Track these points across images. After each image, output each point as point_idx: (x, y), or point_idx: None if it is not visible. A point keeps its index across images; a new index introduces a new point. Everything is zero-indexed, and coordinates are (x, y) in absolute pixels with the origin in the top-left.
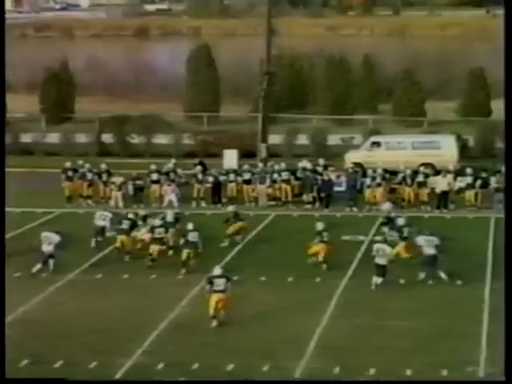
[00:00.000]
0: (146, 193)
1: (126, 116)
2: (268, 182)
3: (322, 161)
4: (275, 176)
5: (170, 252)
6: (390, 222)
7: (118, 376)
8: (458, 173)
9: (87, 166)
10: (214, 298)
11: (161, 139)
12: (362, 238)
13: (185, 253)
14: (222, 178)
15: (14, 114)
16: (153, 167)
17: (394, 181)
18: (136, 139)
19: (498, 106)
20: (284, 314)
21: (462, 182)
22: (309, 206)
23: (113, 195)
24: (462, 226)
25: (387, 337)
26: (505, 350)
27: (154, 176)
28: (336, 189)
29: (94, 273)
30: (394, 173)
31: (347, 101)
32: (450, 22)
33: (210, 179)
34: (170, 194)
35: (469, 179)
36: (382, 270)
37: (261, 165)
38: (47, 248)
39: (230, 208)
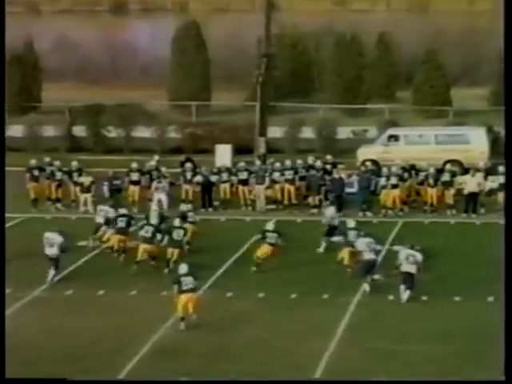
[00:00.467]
0: (124, 195)
1: (100, 105)
2: (267, 182)
3: (330, 157)
4: (276, 175)
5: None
6: (332, 230)
7: None
8: (489, 171)
9: (56, 163)
10: (183, 298)
11: (142, 132)
12: (377, 247)
13: (169, 252)
14: (213, 177)
15: None
16: (133, 165)
17: (414, 181)
18: (113, 132)
19: None
20: (286, 337)
21: (493, 182)
22: (315, 211)
23: (80, 198)
24: (493, 233)
25: (405, 364)
26: (505, 350)
27: (134, 176)
28: (347, 190)
29: (64, 288)
30: (414, 171)
31: (359, 87)
32: None
33: (200, 179)
34: (161, 193)
35: (502, 179)
36: (410, 281)
37: (259, 162)
38: (51, 251)
39: (183, 207)
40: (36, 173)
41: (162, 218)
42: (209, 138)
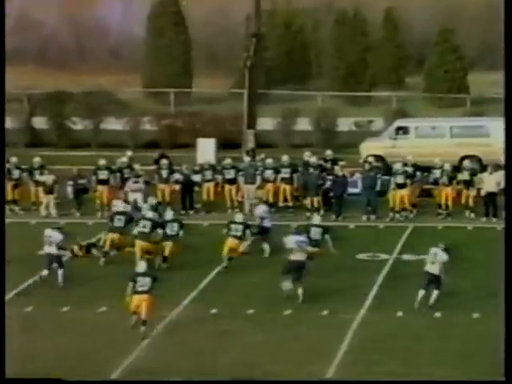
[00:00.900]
0: (91, 196)
1: (64, 93)
2: (259, 181)
3: (329, 153)
4: (268, 173)
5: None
6: (263, 232)
7: None
8: None
9: (13, 160)
10: (136, 299)
11: (112, 124)
12: (384, 256)
13: (167, 246)
14: (195, 176)
15: None
16: (101, 162)
17: (426, 180)
18: (79, 124)
19: None
20: (279, 361)
21: None
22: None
23: (43, 200)
24: None
25: None
26: (505, 349)
27: (103, 174)
28: (349, 190)
29: (23, 304)
30: (426, 169)
31: (363, 72)
32: None
33: (179, 178)
34: (136, 194)
35: None
36: (435, 282)
37: (248, 158)
38: (49, 249)
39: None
40: None
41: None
42: (189, 130)
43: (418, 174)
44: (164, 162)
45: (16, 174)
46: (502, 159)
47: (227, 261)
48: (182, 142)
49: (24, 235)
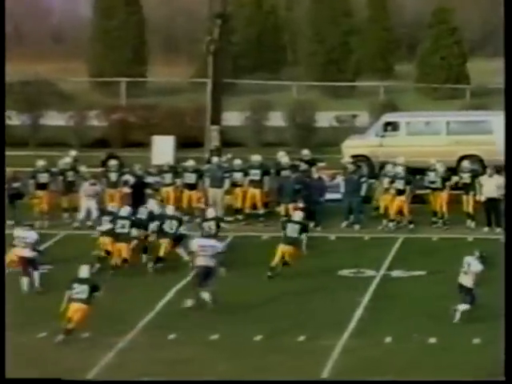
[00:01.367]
0: (27, 202)
1: None
2: (227, 184)
3: (306, 152)
4: (237, 176)
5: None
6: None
7: None
8: None
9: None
10: (71, 309)
11: (53, 119)
12: (370, 272)
13: (163, 245)
14: (149, 179)
15: None
16: (40, 163)
17: (419, 184)
18: (15, 119)
19: None
20: None
21: None
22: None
23: None
24: None
25: None
26: (505, 350)
27: (42, 177)
28: (329, 196)
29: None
30: (419, 171)
31: (346, 59)
32: None
33: (131, 180)
34: (92, 200)
35: None
36: (467, 295)
37: (215, 159)
38: (25, 252)
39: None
40: None
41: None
42: (144, 126)
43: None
44: (113, 163)
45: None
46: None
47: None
48: (134, 139)
49: None
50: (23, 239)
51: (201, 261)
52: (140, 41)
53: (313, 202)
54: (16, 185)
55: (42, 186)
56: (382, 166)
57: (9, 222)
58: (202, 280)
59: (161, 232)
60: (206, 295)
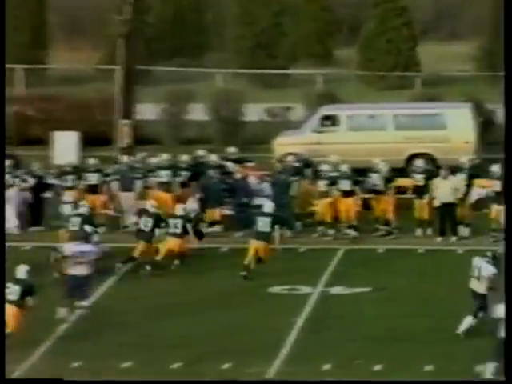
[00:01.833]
0: None
1: None
2: (139, 187)
3: (233, 150)
4: (152, 178)
5: None
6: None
7: None
8: (477, 171)
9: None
10: (6, 311)
11: None
12: (306, 289)
13: (162, 246)
14: (49, 180)
15: None
16: None
17: (362, 186)
18: None
19: None
20: None
21: (483, 189)
22: (213, 230)
23: None
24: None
25: None
26: (505, 349)
27: None
28: (258, 201)
29: None
30: (361, 172)
31: (278, 43)
32: None
33: (30, 182)
34: (22, 207)
35: (497, 184)
36: (479, 303)
37: (125, 158)
38: None
39: None
40: None
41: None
42: (43, 120)
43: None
44: (7, 163)
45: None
46: (462, 159)
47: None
48: (32, 135)
49: None
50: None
51: (73, 269)
52: (39, 21)
53: (238, 206)
54: None
55: None
56: (309, 165)
57: None
58: (75, 290)
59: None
60: (81, 305)
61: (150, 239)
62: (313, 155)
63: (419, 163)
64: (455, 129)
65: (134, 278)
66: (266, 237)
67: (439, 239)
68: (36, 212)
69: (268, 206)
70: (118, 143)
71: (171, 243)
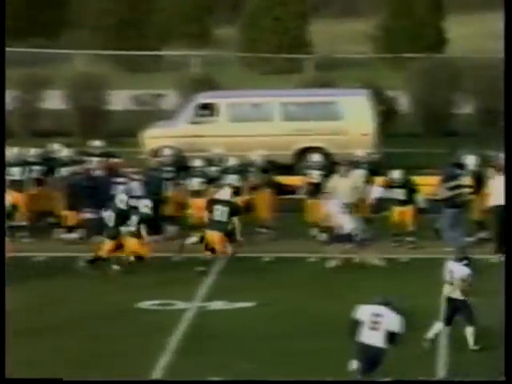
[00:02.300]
0: None
1: None
2: None
3: (98, 144)
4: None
5: None
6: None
7: None
8: (375, 168)
9: None
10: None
11: None
12: (180, 304)
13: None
14: None
15: None
16: None
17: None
18: None
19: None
20: None
21: (390, 189)
22: (69, 237)
23: None
24: (376, 285)
25: None
26: (505, 350)
27: None
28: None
29: None
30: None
31: (147, 20)
32: None
33: None
34: None
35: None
36: (460, 311)
37: None
38: None
39: None
40: None
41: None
42: None
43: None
44: None
45: None
46: (359, 153)
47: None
48: None
49: None
50: None
51: None
52: None
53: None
54: None
55: None
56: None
57: None
58: None
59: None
60: None
61: None
62: (188, 150)
63: (316, 158)
64: (351, 119)
65: None
66: (222, 227)
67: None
68: None
69: (226, 191)
70: None
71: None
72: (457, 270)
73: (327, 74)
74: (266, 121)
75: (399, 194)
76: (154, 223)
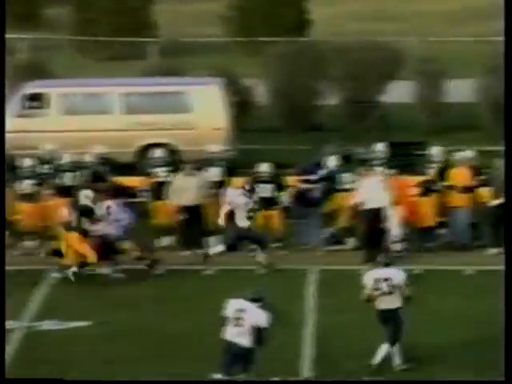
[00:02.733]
0: None
1: None
2: None
3: None
4: None
5: None
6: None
7: None
8: (232, 166)
9: None
10: None
11: None
12: (8, 323)
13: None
14: None
15: None
16: None
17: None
18: None
19: None
20: None
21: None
22: None
23: None
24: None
25: None
26: (504, 350)
27: None
28: None
29: None
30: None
31: None
32: None
33: None
34: None
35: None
36: (391, 323)
37: None
38: None
39: None
40: None
41: None
42: None
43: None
44: None
45: None
46: (214, 149)
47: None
48: None
49: None
50: None
51: None
52: None
53: None
54: None
55: None
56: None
57: None
58: None
59: None
60: None
61: None
62: (15, 147)
63: (159, 153)
64: (201, 112)
65: None
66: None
67: (187, 253)
68: None
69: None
70: None
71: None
72: (394, 274)
73: (174, 60)
74: (104, 113)
75: (266, 190)
76: None
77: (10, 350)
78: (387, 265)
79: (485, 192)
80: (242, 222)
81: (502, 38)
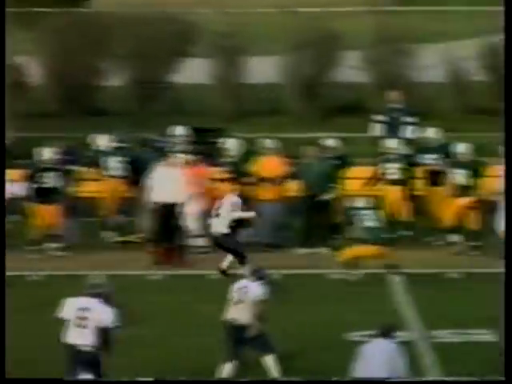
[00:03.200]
0: None
1: None
2: None
3: None
4: None
5: None
6: None
7: None
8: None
9: None
10: None
11: None
12: None
13: None
14: None
15: None
16: None
17: None
18: None
19: None
20: None
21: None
22: None
23: None
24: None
25: None
26: (504, 349)
27: None
28: None
29: None
30: None
31: None
32: None
33: None
34: None
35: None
36: (256, 341)
37: None
38: None
39: None
40: None
41: None
42: None
43: None
44: None
45: None
46: None
47: None
48: None
49: None
50: None
51: None
52: None
53: None
54: None
55: None
56: None
57: None
58: None
59: None
60: None
61: None
62: None
63: None
64: None
65: None
66: None
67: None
68: None
69: None
70: None
71: None
72: (253, 289)
73: None
74: None
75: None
76: None
77: None
78: (261, 278)
79: (293, 184)
80: None
81: (308, 10)
